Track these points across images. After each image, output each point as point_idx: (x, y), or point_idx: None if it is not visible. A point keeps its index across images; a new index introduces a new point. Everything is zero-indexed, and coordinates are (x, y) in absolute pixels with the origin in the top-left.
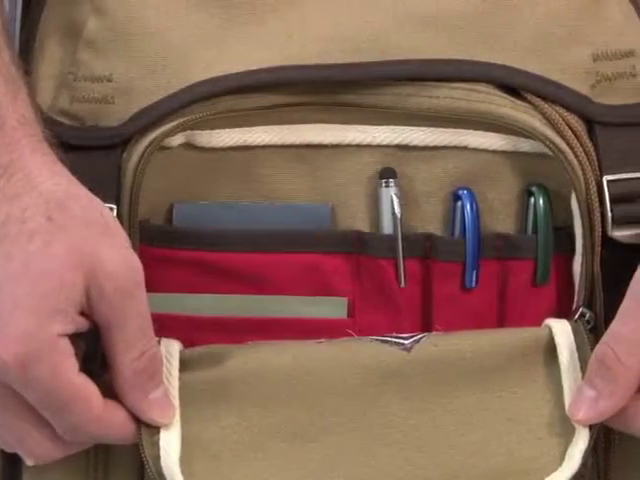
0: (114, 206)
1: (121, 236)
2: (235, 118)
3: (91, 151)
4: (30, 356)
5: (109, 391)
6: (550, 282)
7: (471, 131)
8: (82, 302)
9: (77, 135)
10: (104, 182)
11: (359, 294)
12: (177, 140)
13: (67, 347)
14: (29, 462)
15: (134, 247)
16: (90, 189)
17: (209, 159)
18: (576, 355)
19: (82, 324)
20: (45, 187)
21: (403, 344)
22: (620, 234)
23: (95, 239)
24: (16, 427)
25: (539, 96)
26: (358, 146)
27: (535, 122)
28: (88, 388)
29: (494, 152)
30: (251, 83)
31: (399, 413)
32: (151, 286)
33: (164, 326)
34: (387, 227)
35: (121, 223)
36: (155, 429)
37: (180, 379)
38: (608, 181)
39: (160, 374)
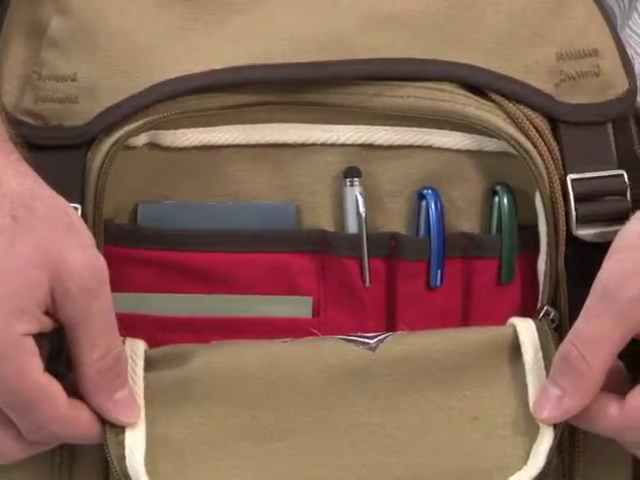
0: (79, 206)
1: (86, 235)
2: (199, 118)
3: (55, 151)
4: None
5: (74, 391)
6: (515, 281)
7: (436, 130)
8: (47, 301)
9: (41, 135)
10: (69, 182)
11: (324, 293)
12: (141, 140)
13: (32, 347)
14: None
15: (99, 247)
16: (55, 189)
17: (174, 159)
18: (540, 354)
19: (47, 324)
20: (9, 186)
21: (368, 343)
22: (584, 233)
23: (60, 239)
24: None
25: (503, 95)
26: (323, 145)
27: (499, 121)
28: (53, 387)
29: (459, 151)
30: (215, 82)
31: (364, 412)
32: (115, 286)
33: (129, 326)
34: (352, 226)
35: (86, 222)
36: (120, 429)
37: (145, 379)
38: (572, 180)
39: (125, 374)
